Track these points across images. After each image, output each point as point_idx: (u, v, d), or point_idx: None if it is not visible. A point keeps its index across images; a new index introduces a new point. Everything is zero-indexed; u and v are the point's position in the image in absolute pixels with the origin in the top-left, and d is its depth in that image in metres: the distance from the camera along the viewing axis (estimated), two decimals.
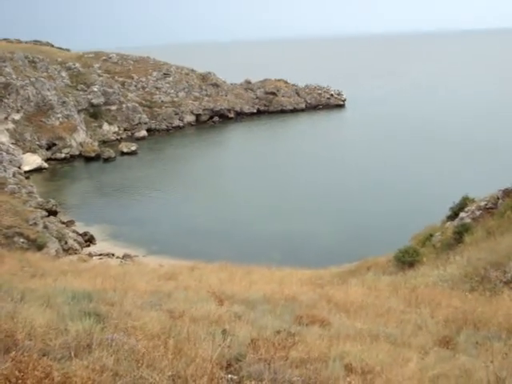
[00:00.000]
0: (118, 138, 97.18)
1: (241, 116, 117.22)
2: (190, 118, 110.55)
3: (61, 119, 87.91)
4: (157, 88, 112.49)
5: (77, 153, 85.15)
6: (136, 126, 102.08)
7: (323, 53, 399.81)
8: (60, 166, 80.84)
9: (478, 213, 25.97)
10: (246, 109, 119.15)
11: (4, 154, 69.15)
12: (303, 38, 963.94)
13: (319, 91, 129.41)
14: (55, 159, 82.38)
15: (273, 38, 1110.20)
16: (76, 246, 48.30)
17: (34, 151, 79.81)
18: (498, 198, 25.73)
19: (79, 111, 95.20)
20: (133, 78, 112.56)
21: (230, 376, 7.34)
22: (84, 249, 48.92)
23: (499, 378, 7.40)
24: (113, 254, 47.26)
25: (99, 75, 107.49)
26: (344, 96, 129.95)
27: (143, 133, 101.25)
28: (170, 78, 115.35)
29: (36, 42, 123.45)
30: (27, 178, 68.59)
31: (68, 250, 46.72)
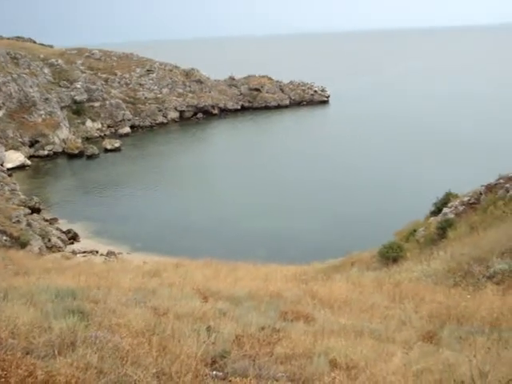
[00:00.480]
0: (102, 134, 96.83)
1: (225, 112, 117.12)
2: (173, 115, 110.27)
3: (43, 116, 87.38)
4: (140, 84, 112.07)
5: (60, 150, 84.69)
6: (119, 122, 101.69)
7: (316, 49, 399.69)
8: (43, 163, 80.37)
9: (461, 208, 26.13)
10: (230, 105, 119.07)
11: None
12: (302, 34, 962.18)
13: (303, 87, 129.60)
14: (38, 156, 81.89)
15: (269, 34, 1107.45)
16: (59, 243, 48.05)
17: (16, 148, 79.26)
18: (481, 194, 25.90)
19: (62, 108, 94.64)
20: (116, 75, 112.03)
21: (214, 373, 7.34)
22: (68, 246, 48.70)
23: (482, 372, 7.45)
24: (97, 252, 47.10)
25: (82, 72, 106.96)
26: (328, 92, 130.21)
27: (127, 129, 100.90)
28: (154, 75, 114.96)
29: (18, 38, 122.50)
30: (10, 175, 68.20)
31: (51, 248, 46.47)
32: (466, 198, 26.53)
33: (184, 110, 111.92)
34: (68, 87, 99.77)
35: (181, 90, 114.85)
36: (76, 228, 52.94)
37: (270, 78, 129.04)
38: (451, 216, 25.88)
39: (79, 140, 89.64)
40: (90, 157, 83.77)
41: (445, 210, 26.93)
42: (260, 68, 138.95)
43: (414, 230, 27.71)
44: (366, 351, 9.28)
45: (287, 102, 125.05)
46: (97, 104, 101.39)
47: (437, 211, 28.27)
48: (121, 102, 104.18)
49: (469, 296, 15.54)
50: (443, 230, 24.84)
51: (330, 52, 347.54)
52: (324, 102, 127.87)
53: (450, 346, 11.06)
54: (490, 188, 25.72)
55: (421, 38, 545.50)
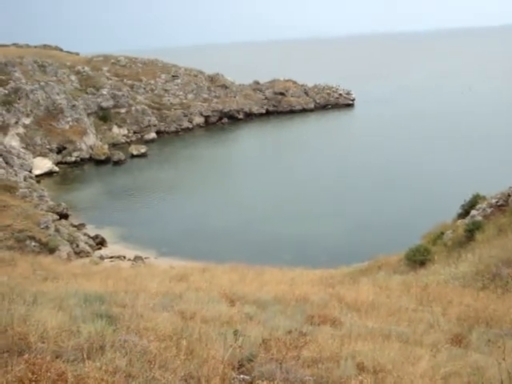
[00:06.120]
0: (128, 140, 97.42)
1: (250, 117, 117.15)
2: (198, 120, 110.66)
3: (71, 123, 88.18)
4: (165, 90, 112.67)
5: (87, 156, 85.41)
6: (145, 128, 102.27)
7: (335, 53, 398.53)
8: (70, 170, 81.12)
9: (489, 210, 25.87)
10: (255, 109, 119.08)
11: (15, 158, 69.50)
12: (315, 38, 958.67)
13: (328, 91, 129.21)
14: (65, 163, 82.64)
15: (282, 39, 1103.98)
16: (87, 248, 48.44)
17: (44, 155, 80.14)
18: (509, 195, 25.62)
19: (89, 114, 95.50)
20: (141, 81, 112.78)
21: (241, 376, 7.36)
22: (95, 251, 49.03)
23: None
24: (124, 257, 47.36)
25: (108, 78, 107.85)
26: (353, 95, 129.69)
27: (153, 135, 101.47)
28: (179, 80, 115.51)
29: (45, 46, 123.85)
30: (38, 181, 68.91)
31: (79, 253, 46.87)
32: (494, 200, 26.25)
33: (209, 115, 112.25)
34: (94, 94, 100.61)
35: (206, 95, 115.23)
36: (103, 233, 53.32)
37: (294, 82, 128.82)
38: (479, 218, 25.63)
39: (106, 146, 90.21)
40: (117, 163, 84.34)
41: (473, 212, 26.68)
42: (282, 72, 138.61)
43: (442, 233, 27.48)
44: (394, 354, 9.23)
45: (312, 105, 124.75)
46: (123, 110, 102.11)
47: (464, 213, 28.02)
48: (146, 107, 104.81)
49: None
50: (471, 232, 24.61)
51: (351, 55, 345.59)
52: (349, 105, 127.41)
53: (478, 349, 10.98)
54: None
55: (442, 40, 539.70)
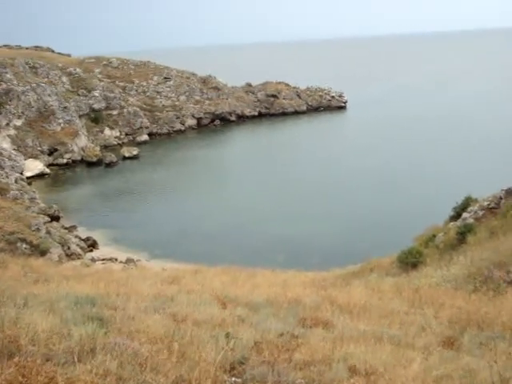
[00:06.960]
0: (120, 142, 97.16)
1: (242, 119, 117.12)
2: (191, 122, 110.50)
3: (62, 124, 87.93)
4: (158, 92, 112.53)
5: (79, 158, 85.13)
6: (137, 130, 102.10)
7: (325, 55, 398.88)
8: (62, 172, 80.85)
9: (480, 213, 25.92)
10: (248, 112, 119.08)
11: (6, 160, 69.21)
12: (305, 41, 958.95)
13: (320, 93, 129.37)
14: (57, 165, 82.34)
15: (272, 41, 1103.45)
16: (79, 251, 48.26)
17: (35, 157, 79.84)
18: (501, 198, 25.68)
19: (80, 116, 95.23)
20: (133, 83, 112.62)
21: (233, 379, 7.34)
22: (87, 254, 48.86)
23: (503, 378, 7.39)
24: (116, 259, 47.20)
25: (100, 80, 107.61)
26: (345, 98, 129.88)
27: (145, 137, 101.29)
28: (171, 82, 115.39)
29: (37, 47, 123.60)
30: (29, 183, 68.62)
31: (71, 255, 46.68)
32: (485, 203, 26.31)
33: (201, 117, 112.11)
34: (86, 96, 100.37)
35: (198, 97, 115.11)
36: (95, 235, 53.14)
37: (286, 84, 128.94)
38: (471, 221, 25.68)
39: (98, 148, 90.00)
40: (109, 165, 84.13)
41: (464, 214, 26.73)
42: (274, 74, 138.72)
43: (434, 235, 27.51)
44: (386, 357, 9.24)
45: (304, 107, 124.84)
46: (115, 112, 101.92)
47: (456, 216, 28.06)
48: (138, 109, 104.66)
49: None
50: (463, 235, 24.65)
51: (342, 58, 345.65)
52: (341, 108, 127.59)
53: (470, 351, 10.99)
54: (510, 192, 25.51)
55: (432, 42, 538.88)
